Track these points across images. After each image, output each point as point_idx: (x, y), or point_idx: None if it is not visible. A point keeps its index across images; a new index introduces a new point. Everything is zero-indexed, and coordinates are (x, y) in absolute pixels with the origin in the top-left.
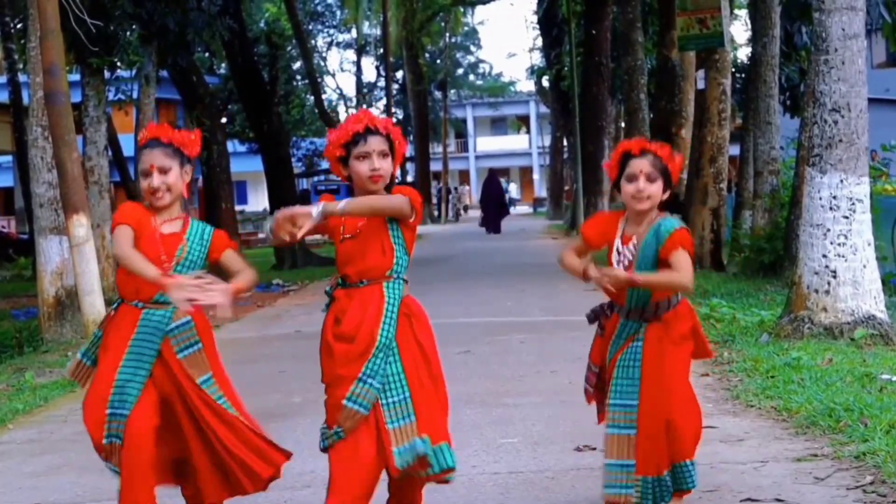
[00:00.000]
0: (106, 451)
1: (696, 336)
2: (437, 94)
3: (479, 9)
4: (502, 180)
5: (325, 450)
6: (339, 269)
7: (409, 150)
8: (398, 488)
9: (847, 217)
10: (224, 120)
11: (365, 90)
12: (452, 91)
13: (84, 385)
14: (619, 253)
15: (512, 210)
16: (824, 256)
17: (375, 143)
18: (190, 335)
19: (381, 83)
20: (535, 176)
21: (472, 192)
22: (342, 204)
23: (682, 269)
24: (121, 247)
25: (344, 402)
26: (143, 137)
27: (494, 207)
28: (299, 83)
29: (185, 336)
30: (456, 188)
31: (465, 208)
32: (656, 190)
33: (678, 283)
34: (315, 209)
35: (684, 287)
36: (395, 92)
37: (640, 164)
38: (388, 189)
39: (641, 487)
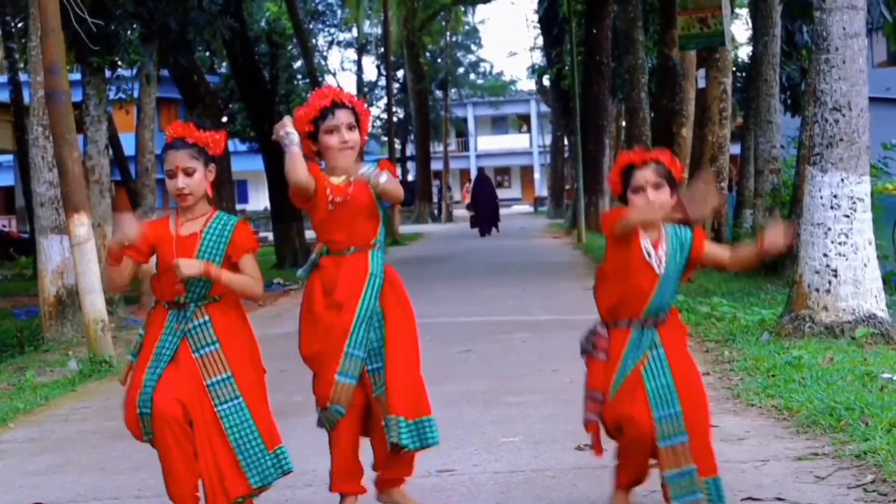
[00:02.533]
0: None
1: None
2: (438, 93)
3: (480, 8)
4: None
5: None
6: (324, 236)
7: (409, 150)
8: (388, 460)
9: (848, 216)
10: (225, 119)
11: (366, 89)
12: (453, 90)
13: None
14: (649, 255)
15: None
16: (825, 255)
17: (343, 117)
18: (207, 335)
19: (382, 82)
20: (536, 175)
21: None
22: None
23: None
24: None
25: (336, 377)
26: (168, 136)
27: (486, 208)
28: (300, 82)
29: (202, 336)
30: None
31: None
32: (665, 197)
33: None
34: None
35: None
36: (395, 91)
37: (645, 175)
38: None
39: (708, 489)
